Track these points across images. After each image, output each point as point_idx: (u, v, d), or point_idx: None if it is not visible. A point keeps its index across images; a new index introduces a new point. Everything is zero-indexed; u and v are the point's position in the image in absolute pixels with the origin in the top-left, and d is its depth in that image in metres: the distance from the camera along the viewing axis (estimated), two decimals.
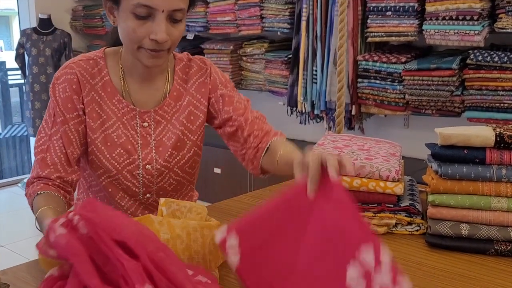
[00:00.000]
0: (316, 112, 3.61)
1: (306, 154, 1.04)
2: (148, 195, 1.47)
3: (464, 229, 1.30)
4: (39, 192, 1.29)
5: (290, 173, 1.10)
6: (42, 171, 1.34)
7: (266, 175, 1.51)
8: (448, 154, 1.34)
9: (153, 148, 1.44)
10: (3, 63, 6.76)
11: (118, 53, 1.44)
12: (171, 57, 1.49)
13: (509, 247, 1.28)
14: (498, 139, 1.29)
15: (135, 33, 1.29)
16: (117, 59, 1.44)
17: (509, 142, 1.29)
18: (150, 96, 1.45)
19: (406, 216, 1.41)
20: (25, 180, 4.97)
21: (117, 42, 1.44)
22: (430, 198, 1.35)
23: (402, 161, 1.60)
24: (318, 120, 3.71)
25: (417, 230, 1.41)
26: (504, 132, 1.30)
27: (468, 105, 3.00)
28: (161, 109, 1.45)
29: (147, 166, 1.43)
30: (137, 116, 1.43)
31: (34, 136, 5.15)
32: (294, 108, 3.77)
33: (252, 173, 1.53)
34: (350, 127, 3.49)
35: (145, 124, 1.43)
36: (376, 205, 1.43)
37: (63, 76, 1.39)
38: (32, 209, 1.30)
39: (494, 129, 1.32)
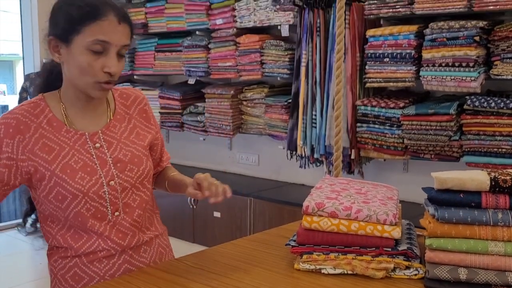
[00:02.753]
0: (315, 156, 3.63)
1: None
2: (116, 213, 1.51)
3: (462, 274, 1.30)
4: None
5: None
6: None
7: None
8: (445, 198, 1.35)
9: (111, 165, 1.51)
10: (6, 107, 6.85)
11: (57, 94, 1.53)
12: None
13: None
14: (493, 183, 1.31)
15: (91, 68, 1.40)
16: (57, 98, 1.52)
17: (504, 186, 1.30)
18: (95, 121, 1.54)
19: (404, 260, 1.41)
20: (23, 225, 4.90)
21: (48, 83, 1.55)
22: (428, 242, 1.35)
23: (400, 204, 1.61)
24: (318, 164, 3.73)
25: (415, 275, 1.40)
26: (498, 176, 1.31)
27: (466, 149, 3.02)
28: (108, 129, 1.54)
29: (111, 182, 1.49)
30: (88, 140, 1.50)
31: None
32: (294, 152, 3.79)
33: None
34: (349, 171, 3.50)
35: (97, 145, 1.51)
36: (374, 249, 1.43)
37: (2, 120, 1.46)
38: None
39: (489, 173, 1.33)
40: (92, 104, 1.53)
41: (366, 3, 3.32)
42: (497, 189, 1.31)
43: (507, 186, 1.30)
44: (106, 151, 1.51)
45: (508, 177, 1.31)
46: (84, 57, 1.39)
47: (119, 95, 1.62)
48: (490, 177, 1.31)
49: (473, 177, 1.32)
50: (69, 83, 1.49)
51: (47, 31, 1.45)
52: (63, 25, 1.40)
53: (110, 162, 1.51)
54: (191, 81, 4.51)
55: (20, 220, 5.63)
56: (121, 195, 1.52)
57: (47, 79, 1.58)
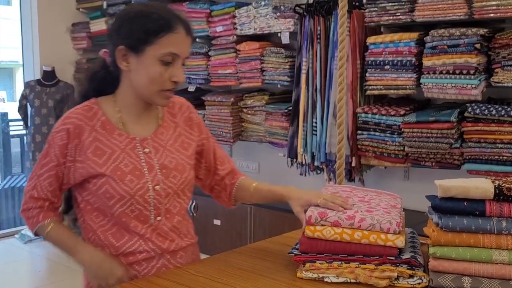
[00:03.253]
0: (316, 163, 3.62)
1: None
2: (158, 217, 1.58)
3: (466, 282, 1.30)
4: (42, 223, 1.58)
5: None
6: (34, 202, 1.59)
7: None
8: (448, 206, 1.35)
9: (158, 170, 1.57)
10: (6, 114, 6.84)
11: (111, 98, 1.60)
12: None
13: None
14: (497, 191, 1.30)
15: (161, 77, 1.49)
16: (111, 102, 1.59)
17: (508, 194, 1.30)
18: (146, 127, 1.61)
19: (408, 268, 1.41)
20: (23, 232, 4.92)
21: (98, 89, 1.61)
22: (431, 250, 1.35)
23: (403, 213, 1.60)
24: (319, 171, 3.72)
25: (419, 283, 1.39)
26: (503, 185, 1.31)
27: (467, 157, 3.02)
28: (156, 136, 1.61)
29: (156, 187, 1.56)
30: (138, 144, 1.58)
31: None
32: (295, 160, 3.78)
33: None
34: (350, 178, 3.50)
35: (146, 150, 1.58)
36: (377, 257, 1.43)
37: (61, 126, 1.54)
38: (34, 231, 1.61)
39: (493, 181, 1.33)
40: (146, 111, 1.61)
41: (367, 10, 3.32)
42: (501, 197, 1.31)
43: (511, 194, 1.30)
44: (154, 156, 1.58)
45: None
46: (156, 68, 1.48)
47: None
48: (494, 185, 1.31)
49: (477, 185, 1.32)
50: (129, 90, 1.56)
51: (113, 41, 1.52)
52: (137, 36, 1.48)
53: (157, 167, 1.57)
54: (191, 88, 4.50)
55: (19, 228, 5.62)
56: (164, 200, 1.58)
57: (99, 86, 1.62)
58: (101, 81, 1.62)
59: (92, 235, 1.59)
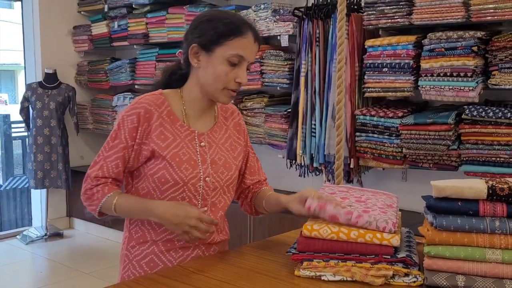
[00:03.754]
0: (315, 165, 3.65)
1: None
2: (205, 208, 1.68)
3: (460, 281, 1.32)
4: (108, 195, 1.63)
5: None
6: (97, 181, 1.64)
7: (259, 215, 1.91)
8: (443, 206, 1.37)
9: (209, 164, 1.69)
10: (8, 116, 6.87)
11: (178, 92, 1.72)
12: None
13: None
14: (490, 192, 1.33)
15: (227, 76, 1.61)
16: (177, 95, 1.71)
17: (501, 194, 1.32)
18: (205, 123, 1.74)
19: (403, 267, 1.43)
20: (25, 233, 4.95)
21: (167, 82, 1.74)
22: (426, 249, 1.37)
23: (399, 212, 1.63)
24: (317, 173, 3.75)
25: (414, 282, 1.42)
26: (496, 185, 1.33)
27: (464, 159, 3.04)
28: (211, 133, 1.74)
29: (207, 178, 1.67)
30: (196, 138, 1.69)
31: (36, 189, 5.18)
32: (294, 161, 3.81)
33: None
34: (348, 180, 3.52)
35: (202, 144, 1.70)
36: (373, 256, 1.45)
37: (132, 110, 1.65)
38: (99, 209, 1.65)
39: (486, 182, 1.36)
40: (208, 108, 1.74)
41: (365, 13, 3.35)
42: (494, 197, 1.33)
43: (505, 194, 1.33)
44: (207, 151, 1.70)
45: (505, 186, 1.33)
46: (223, 67, 1.61)
47: (221, 107, 1.81)
48: (488, 186, 1.33)
49: (471, 186, 1.34)
50: (197, 86, 1.69)
51: (188, 39, 1.65)
52: (210, 37, 1.61)
53: (209, 161, 1.69)
54: None
55: (21, 229, 5.64)
56: (212, 193, 1.69)
57: (168, 79, 1.76)
58: (171, 75, 1.75)
59: (136, 219, 1.69)
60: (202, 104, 1.71)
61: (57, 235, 5.38)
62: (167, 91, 1.72)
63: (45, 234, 5.30)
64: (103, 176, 1.65)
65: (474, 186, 1.35)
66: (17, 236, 5.35)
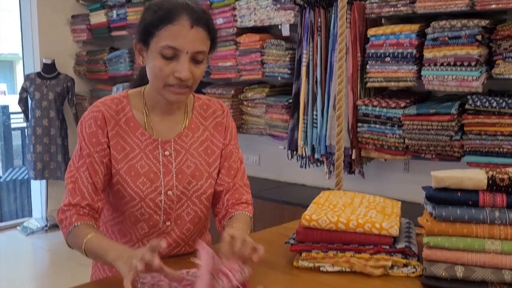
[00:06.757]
0: (316, 156, 3.62)
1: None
2: (167, 223, 1.55)
3: (459, 271, 1.30)
4: (75, 224, 1.44)
5: None
6: (72, 199, 1.47)
7: None
8: (442, 197, 1.35)
9: (174, 175, 1.53)
10: (7, 107, 6.86)
11: (141, 92, 1.56)
12: (190, 95, 1.59)
13: None
14: (490, 182, 1.30)
15: (162, 71, 1.42)
16: (140, 97, 1.56)
17: (501, 185, 1.30)
18: (170, 128, 1.56)
19: (402, 258, 1.41)
20: (25, 224, 4.95)
21: (143, 82, 1.57)
22: (425, 240, 1.35)
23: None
24: (319, 164, 3.72)
25: (413, 272, 1.40)
26: (496, 175, 1.31)
27: (467, 149, 3.01)
28: (180, 139, 1.56)
29: (168, 192, 1.52)
30: (159, 146, 1.53)
31: (35, 179, 5.17)
32: (295, 152, 3.78)
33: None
34: (350, 171, 3.49)
35: (167, 153, 1.54)
36: (372, 246, 1.43)
37: (89, 114, 1.51)
38: (67, 237, 1.49)
39: (486, 172, 1.33)
40: (171, 109, 1.56)
41: (368, 2, 3.30)
42: (494, 187, 1.31)
43: (504, 185, 1.30)
44: (173, 160, 1.54)
45: (505, 176, 1.31)
46: (156, 62, 1.42)
47: (200, 105, 1.64)
48: (488, 176, 1.31)
49: (470, 176, 1.32)
50: (151, 85, 1.52)
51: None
52: (143, 29, 1.45)
53: (174, 172, 1.53)
54: None
55: (21, 220, 5.64)
56: (176, 206, 1.55)
57: (142, 79, 1.58)
58: (145, 76, 1.56)
59: (102, 226, 1.62)
60: (162, 105, 1.53)
61: (57, 226, 5.36)
62: (132, 92, 1.57)
63: (45, 225, 5.30)
64: (80, 192, 1.47)
65: (474, 177, 1.32)
66: (17, 227, 5.35)
